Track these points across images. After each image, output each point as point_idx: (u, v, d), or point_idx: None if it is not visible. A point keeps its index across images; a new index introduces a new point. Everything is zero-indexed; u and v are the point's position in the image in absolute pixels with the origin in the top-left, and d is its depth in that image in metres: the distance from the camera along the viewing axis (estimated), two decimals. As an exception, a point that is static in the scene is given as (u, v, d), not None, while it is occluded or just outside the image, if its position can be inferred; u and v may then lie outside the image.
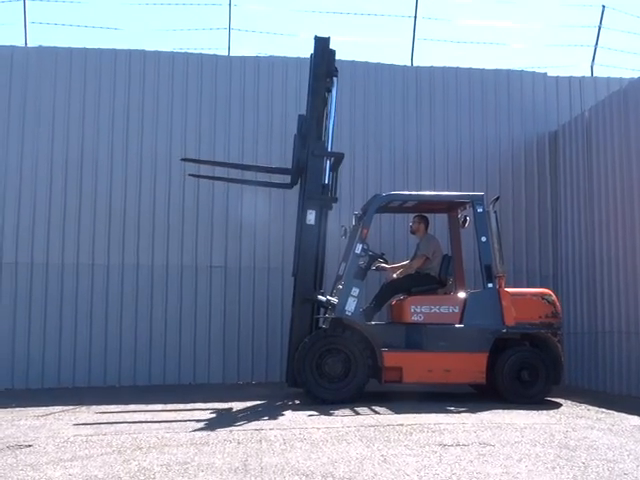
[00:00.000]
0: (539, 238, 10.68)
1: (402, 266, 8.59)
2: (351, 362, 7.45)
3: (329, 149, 8.48)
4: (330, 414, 6.57)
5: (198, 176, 9.32)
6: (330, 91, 8.56)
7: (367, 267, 8.04)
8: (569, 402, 7.60)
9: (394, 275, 8.41)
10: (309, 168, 8.30)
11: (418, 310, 7.68)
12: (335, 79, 8.57)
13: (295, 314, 8.20)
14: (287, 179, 8.84)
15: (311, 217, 8.15)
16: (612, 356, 8.83)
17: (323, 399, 7.28)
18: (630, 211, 8.59)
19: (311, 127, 8.36)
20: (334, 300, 7.93)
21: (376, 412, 6.64)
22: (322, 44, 8.49)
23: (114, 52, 10.20)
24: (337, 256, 8.76)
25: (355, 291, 7.63)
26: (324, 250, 8.40)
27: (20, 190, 9.77)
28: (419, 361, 7.54)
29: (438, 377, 7.55)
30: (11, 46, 10.11)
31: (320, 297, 8.10)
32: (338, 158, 8.54)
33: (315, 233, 8.18)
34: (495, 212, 7.88)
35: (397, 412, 6.58)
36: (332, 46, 8.50)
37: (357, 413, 6.61)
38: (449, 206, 8.69)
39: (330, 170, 8.47)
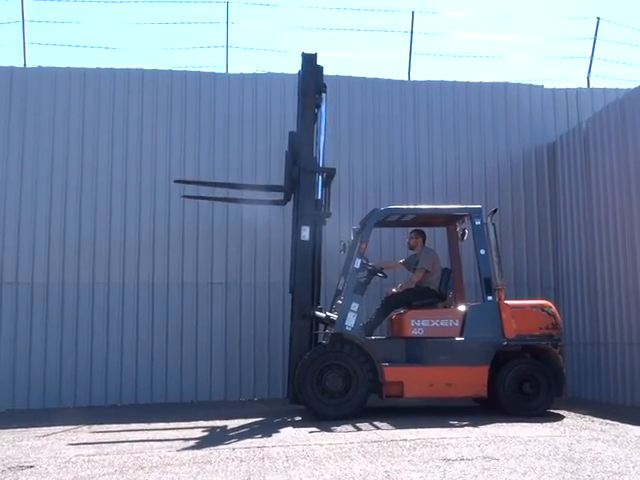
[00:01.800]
0: (539, 250, 10.68)
1: (396, 265, 8.81)
2: (352, 377, 7.41)
3: (321, 165, 8.51)
4: (332, 430, 6.53)
5: (192, 197, 9.39)
6: (319, 107, 8.60)
7: (367, 282, 8.03)
8: (572, 414, 7.56)
9: (393, 289, 8.41)
10: (301, 184, 8.32)
11: (418, 324, 7.67)
12: (324, 95, 8.62)
13: (294, 330, 8.19)
14: (280, 196, 8.85)
15: (305, 233, 8.15)
16: (615, 367, 8.80)
17: (324, 415, 7.25)
18: (629, 221, 8.60)
19: (302, 144, 8.40)
20: (333, 315, 7.91)
21: (378, 427, 6.61)
22: (309, 61, 8.55)
23: (113, 71, 10.26)
24: (337, 271, 8.74)
25: (355, 306, 7.62)
26: (320, 265, 8.40)
27: (20, 210, 9.79)
28: (420, 375, 7.51)
29: (439, 391, 7.52)
30: (10, 67, 10.17)
31: (318, 313, 8.09)
32: (330, 173, 8.56)
33: (310, 249, 8.19)
34: (493, 224, 7.88)
35: (399, 427, 6.54)
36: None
37: (359, 429, 6.57)
38: (447, 219, 8.70)
39: (323, 185, 8.50)
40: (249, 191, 9.43)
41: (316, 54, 8.56)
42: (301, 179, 8.32)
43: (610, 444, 5.58)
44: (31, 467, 5.06)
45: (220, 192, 9.54)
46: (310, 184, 8.33)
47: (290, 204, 8.83)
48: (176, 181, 9.34)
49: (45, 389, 9.46)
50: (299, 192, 8.37)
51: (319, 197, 8.42)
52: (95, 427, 7.33)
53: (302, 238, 8.16)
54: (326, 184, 8.59)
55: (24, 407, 9.32)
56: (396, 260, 9.13)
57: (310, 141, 8.46)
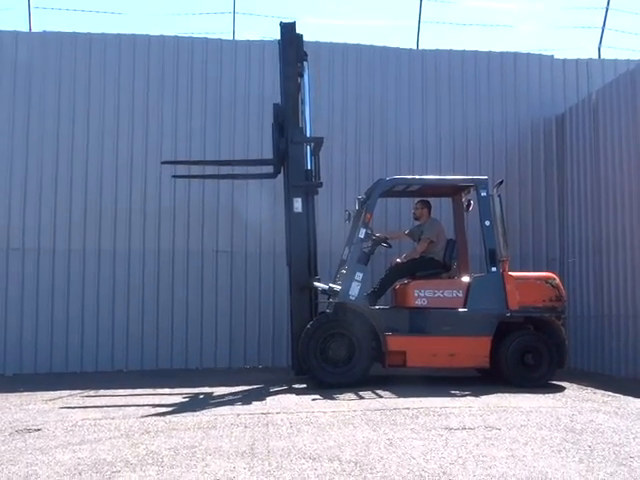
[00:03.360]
0: (546, 222, 10.65)
1: (398, 235, 8.82)
2: (355, 346, 7.46)
3: (309, 134, 8.47)
4: (335, 398, 6.59)
5: (181, 176, 9.38)
6: (302, 76, 8.52)
7: (371, 252, 8.04)
8: (574, 385, 7.61)
9: (398, 260, 8.42)
10: (290, 156, 8.28)
11: (422, 294, 7.69)
12: (306, 63, 8.53)
13: (293, 303, 8.23)
14: (270, 169, 8.76)
15: (298, 205, 8.15)
16: (618, 339, 8.83)
17: (328, 383, 7.31)
18: (637, 194, 8.55)
19: (287, 114, 8.34)
20: (335, 286, 7.92)
21: (381, 396, 6.67)
22: (288, 30, 8.46)
23: (118, 37, 10.17)
24: (341, 241, 8.74)
25: (359, 275, 7.64)
26: (315, 236, 8.40)
27: (26, 178, 9.78)
28: (423, 345, 7.56)
29: (442, 361, 7.58)
30: (15, 31, 10.07)
31: (316, 283, 8.11)
32: (318, 142, 8.51)
33: (304, 220, 8.19)
34: (499, 196, 7.85)
35: (402, 396, 6.60)
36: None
37: (362, 397, 6.63)
38: (453, 190, 8.67)
39: (312, 155, 8.47)
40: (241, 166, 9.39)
41: (294, 22, 8.47)
42: (289, 150, 8.28)
43: (611, 416, 5.62)
44: (38, 430, 5.13)
45: (211, 169, 9.53)
46: (298, 155, 8.30)
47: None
48: (163, 162, 9.34)
49: (52, 354, 9.55)
50: (288, 164, 8.33)
51: (309, 167, 8.41)
52: (102, 392, 7.43)
53: (295, 210, 8.15)
54: (315, 154, 8.56)
55: (31, 372, 9.42)
56: (401, 230, 9.13)
57: (295, 111, 8.40)
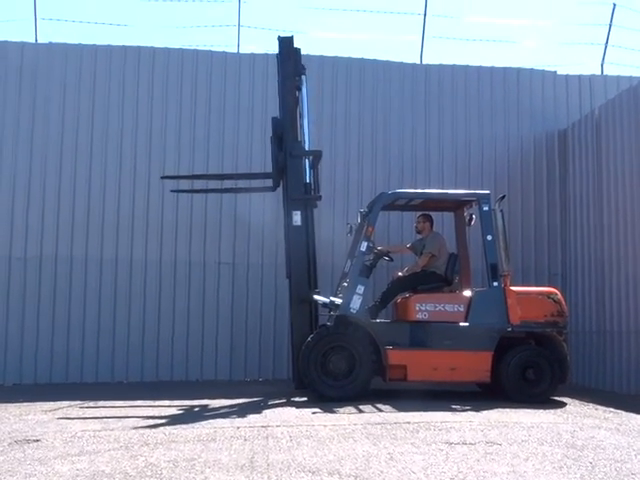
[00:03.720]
0: (548, 237, 10.65)
1: (400, 248, 8.80)
2: (355, 360, 7.44)
3: (307, 147, 8.50)
4: (335, 412, 6.57)
5: (179, 191, 9.40)
6: (300, 90, 8.57)
7: (373, 265, 8.03)
8: (576, 401, 7.58)
9: (399, 273, 8.41)
10: (289, 169, 8.32)
11: (423, 308, 7.68)
12: (304, 77, 8.59)
13: (293, 316, 8.24)
14: (269, 183, 8.77)
15: (297, 218, 8.18)
16: (620, 355, 8.80)
17: (328, 396, 7.28)
18: (639, 209, 8.54)
19: (286, 128, 8.38)
20: (337, 299, 7.90)
21: (381, 410, 6.64)
22: (286, 44, 8.52)
23: (124, 49, 10.22)
24: (343, 254, 8.74)
25: (360, 289, 7.63)
26: (314, 249, 8.42)
27: (29, 186, 9.81)
28: (424, 359, 7.53)
29: (443, 375, 7.55)
30: (21, 42, 10.15)
31: (316, 296, 8.10)
32: (317, 156, 8.54)
33: (303, 233, 8.21)
34: (501, 210, 7.86)
35: (402, 410, 6.57)
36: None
37: (362, 411, 6.61)
38: (455, 204, 8.68)
39: (311, 168, 8.49)
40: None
41: (292, 37, 8.55)
42: (288, 164, 8.31)
43: (613, 432, 5.60)
44: (37, 441, 5.12)
45: (214, 182, 9.55)
46: (297, 168, 8.35)
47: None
48: (163, 177, 9.35)
49: (52, 365, 9.53)
50: (287, 177, 8.35)
51: (307, 181, 8.44)
52: (101, 403, 7.40)
53: (294, 223, 8.18)
54: (314, 167, 8.59)
55: (31, 382, 9.40)
56: (403, 244, 9.13)
57: (294, 125, 8.45)
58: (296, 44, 8.58)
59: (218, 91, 10.33)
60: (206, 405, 7.16)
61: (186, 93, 10.26)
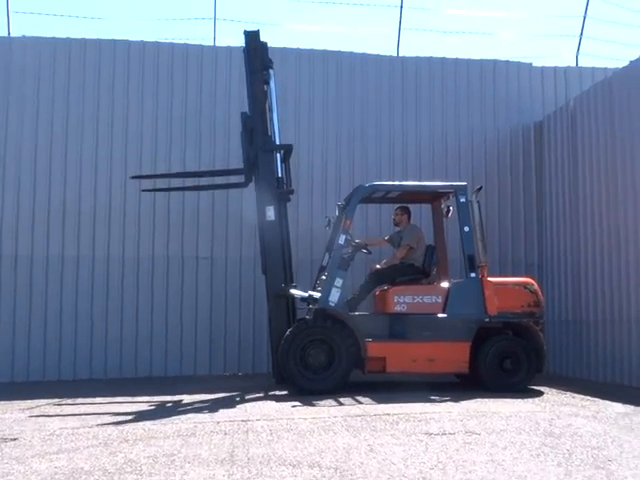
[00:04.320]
0: (524, 227, 10.74)
1: (379, 242, 8.80)
2: (334, 352, 7.45)
3: (277, 142, 8.49)
4: (315, 405, 6.58)
5: (152, 190, 9.34)
6: (269, 84, 8.55)
7: (351, 258, 8.04)
8: (554, 390, 7.66)
9: (377, 266, 8.43)
10: (260, 164, 8.30)
11: (401, 300, 7.71)
12: (272, 71, 8.57)
13: (270, 311, 8.24)
14: (242, 178, 8.73)
15: (270, 213, 8.17)
16: (596, 344, 8.91)
17: (308, 390, 7.29)
18: (614, 200, 8.65)
19: (255, 123, 8.35)
20: (314, 293, 7.89)
21: (361, 402, 6.67)
22: (253, 38, 8.50)
23: (98, 42, 10.11)
24: (322, 247, 8.74)
25: (339, 282, 7.63)
26: (289, 243, 8.43)
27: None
28: (402, 351, 7.56)
29: (422, 367, 7.59)
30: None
31: (293, 291, 8.10)
32: (287, 150, 8.54)
33: (277, 228, 8.21)
34: (478, 202, 7.90)
35: (382, 402, 6.61)
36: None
37: (342, 403, 6.63)
38: (432, 196, 8.71)
39: (282, 163, 8.48)
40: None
41: (258, 31, 8.52)
42: (259, 159, 8.29)
43: (590, 420, 5.67)
44: (15, 440, 5.06)
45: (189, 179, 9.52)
46: (269, 163, 8.33)
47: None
48: (133, 177, 9.29)
49: (29, 362, 9.45)
50: (258, 172, 8.33)
51: (279, 175, 8.42)
52: (79, 400, 7.35)
53: (267, 218, 8.18)
54: (285, 161, 8.57)
55: (7, 380, 9.29)
56: (381, 237, 9.15)
57: (263, 119, 8.42)
58: (271, 37, 8.61)
59: (194, 85, 10.25)
60: (185, 400, 7.13)
61: (162, 87, 10.18)
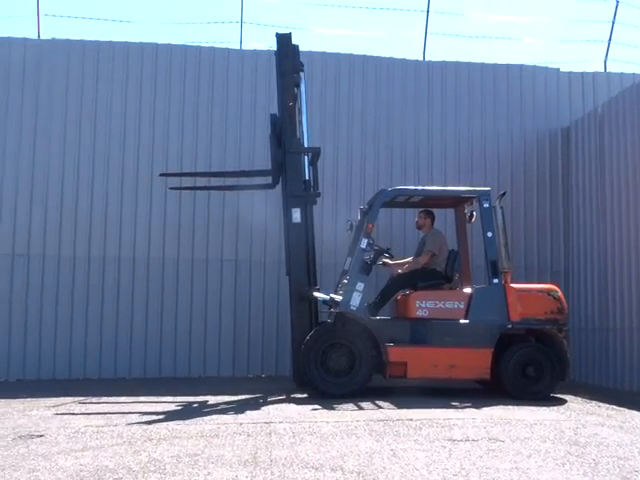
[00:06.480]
0: (550, 234, 10.64)
1: (405, 262, 8.54)
2: (355, 356, 7.44)
3: (306, 144, 8.50)
4: (337, 408, 6.58)
5: (178, 188, 9.39)
6: (299, 86, 8.56)
7: (372, 262, 8.00)
8: (579, 399, 7.58)
9: (399, 270, 8.40)
10: (288, 166, 8.31)
11: (423, 305, 7.66)
12: (302, 74, 8.57)
13: (293, 313, 8.24)
14: (269, 180, 8.75)
15: (297, 215, 8.17)
16: (623, 353, 8.80)
17: (328, 393, 7.28)
18: (642, 207, 8.54)
19: (285, 125, 8.36)
20: (337, 296, 7.87)
21: (382, 407, 6.65)
22: (285, 41, 8.49)
23: (126, 45, 10.22)
24: (346, 251, 8.73)
25: (360, 286, 7.62)
26: (314, 246, 8.42)
27: (32, 184, 9.82)
28: (424, 356, 7.51)
29: (443, 372, 7.53)
30: (24, 38, 10.14)
31: (316, 293, 8.09)
32: (315, 153, 8.54)
33: (303, 230, 8.22)
34: (501, 207, 7.83)
35: (404, 407, 6.57)
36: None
37: (363, 408, 6.62)
38: (455, 201, 8.67)
39: (309, 165, 8.49)
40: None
41: (290, 33, 8.52)
42: (287, 161, 8.30)
43: (616, 429, 5.60)
44: (41, 436, 5.13)
45: (215, 179, 9.53)
46: (296, 165, 8.34)
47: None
48: (161, 175, 9.33)
49: (55, 361, 9.55)
50: (286, 174, 8.35)
51: (307, 177, 8.44)
52: (104, 398, 7.43)
53: (293, 220, 8.18)
54: (312, 164, 8.58)
55: (34, 378, 9.42)
56: (405, 242, 9.09)
57: (292, 122, 8.42)
58: (298, 41, 8.60)
59: (221, 88, 10.32)
60: (209, 401, 7.17)
61: (189, 90, 10.25)
